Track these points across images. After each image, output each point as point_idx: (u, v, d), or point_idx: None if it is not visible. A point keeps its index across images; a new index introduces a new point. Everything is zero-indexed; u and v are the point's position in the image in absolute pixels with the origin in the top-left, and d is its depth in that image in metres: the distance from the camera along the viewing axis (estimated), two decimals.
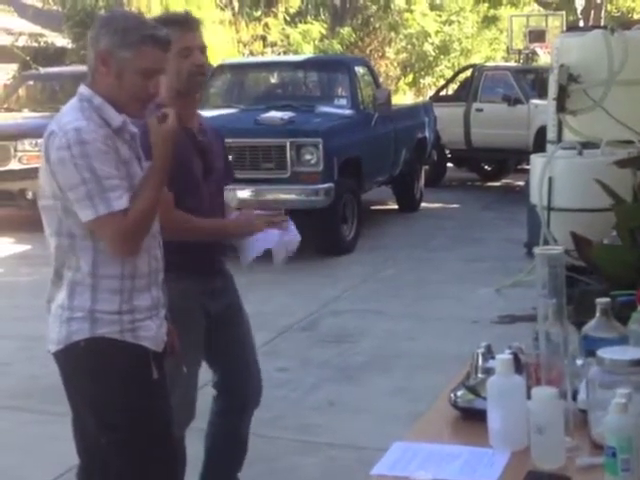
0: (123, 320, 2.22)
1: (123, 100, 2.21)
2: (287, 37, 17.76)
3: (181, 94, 2.72)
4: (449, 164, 12.72)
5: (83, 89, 2.25)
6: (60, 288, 2.23)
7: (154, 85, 2.23)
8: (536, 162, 6.21)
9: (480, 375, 2.04)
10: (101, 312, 2.20)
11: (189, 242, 2.72)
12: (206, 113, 9.03)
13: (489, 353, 2.08)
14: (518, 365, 1.94)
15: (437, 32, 23.11)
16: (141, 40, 2.18)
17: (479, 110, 11.80)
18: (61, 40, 17.30)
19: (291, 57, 13.62)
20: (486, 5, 22.71)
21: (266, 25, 17.55)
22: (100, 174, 2.11)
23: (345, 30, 20.07)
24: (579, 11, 20.25)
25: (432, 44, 23.10)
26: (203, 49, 2.77)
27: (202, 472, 3.06)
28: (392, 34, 22.21)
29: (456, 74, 14.57)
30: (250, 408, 3.04)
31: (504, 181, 12.85)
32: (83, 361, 2.22)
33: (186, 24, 2.74)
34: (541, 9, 21.47)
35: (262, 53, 17.77)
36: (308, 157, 7.56)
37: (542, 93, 10.10)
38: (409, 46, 23.01)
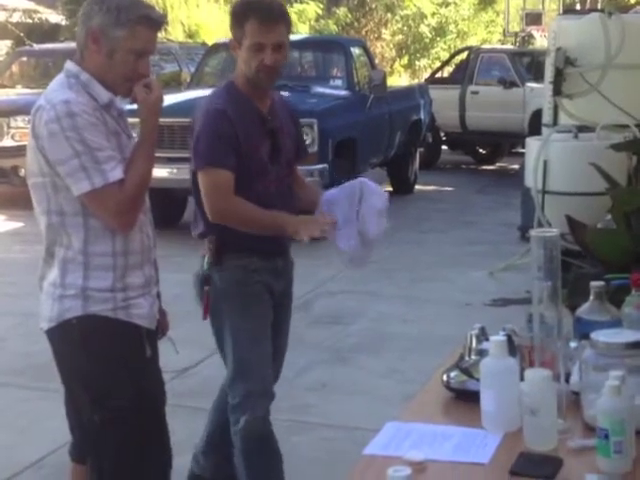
0: (116, 298, 2.21)
1: (112, 79, 2.19)
2: None
3: (250, 82, 2.68)
4: (444, 147, 12.70)
5: (70, 65, 2.23)
6: (52, 266, 2.22)
7: (144, 65, 2.21)
8: (531, 145, 6.21)
9: (473, 357, 2.04)
10: (93, 290, 2.19)
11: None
12: (201, 92, 8.96)
13: (483, 335, 2.08)
14: (512, 347, 1.94)
15: (433, 14, 23.01)
16: (135, 20, 2.15)
17: (475, 93, 11.78)
18: (55, 17, 17.18)
19: None
20: None
21: None
22: (92, 146, 2.10)
23: (341, 10, 19.97)
24: None
25: (428, 26, 23.01)
26: (279, 47, 2.62)
27: (203, 446, 3.03)
28: (388, 15, 22.11)
29: (452, 56, 14.53)
30: None
31: (498, 164, 12.85)
32: (76, 339, 2.21)
33: (266, 17, 2.59)
34: None
35: None
36: (303, 138, 7.54)
37: (538, 76, 10.09)
38: (405, 28, 22.91)
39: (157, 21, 2.22)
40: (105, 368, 2.23)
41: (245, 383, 2.70)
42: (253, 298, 2.72)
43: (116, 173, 2.13)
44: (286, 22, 2.68)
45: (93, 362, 2.22)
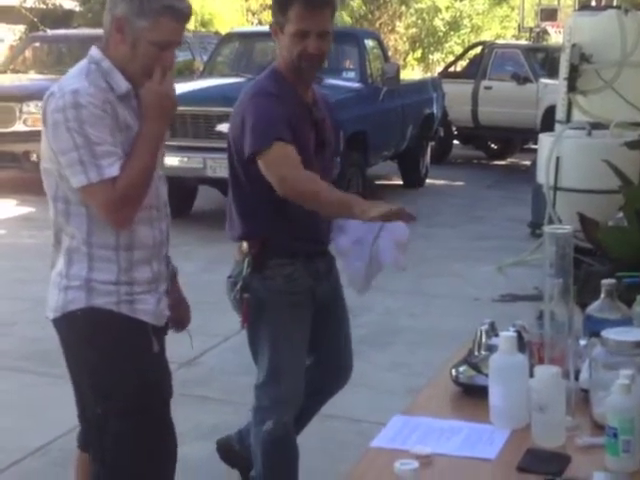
0: (120, 291, 2.17)
1: (134, 70, 2.13)
2: None
3: (292, 69, 2.56)
4: (455, 141, 12.67)
5: (94, 51, 2.18)
6: (59, 253, 2.21)
7: (168, 57, 2.14)
8: (544, 141, 6.19)
9: (483, 352, 2.04)
10: (97, 282, 2.16)
11: (299, 225, 2.57)
12: (214, 81, 8.95)
13: (493, 330, 2.08)
14: (521, 343, 1.94)
15: (448, 7, 22.97)
16: (159, 11, 2.08)
17: (488, 88, 11.73)
18: (69, 2, 17.20)
19: None
20: None
21: None
22: (93, 140, 2.05)
23: (355, 2, 19.93)
24: None
25: (442, 20, 22.99)
26: (323, 34, 2.51)
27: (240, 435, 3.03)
28: (402, 8, 22.05)
29: (466, 51, 14.48)
30: (333, 394, 3.00)
31: (510, 160, 12.81)
32: (80, 330, 2.19)
33: (312, 2, 2.48)
34: None
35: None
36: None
37: (552, 72, 10.05)
38: (419, 21, 22.88)
39: (182, 12, 2.13)
40: (110, 361, 2.19)
41: (277, 389, 2.65)
42: (295, 307, 2.64)
43: (113, 169, 2.06)
44: (332, 8, 2.56)
45: (97, 355, 2.20)
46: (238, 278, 2.63)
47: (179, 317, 2.43)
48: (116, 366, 2.20)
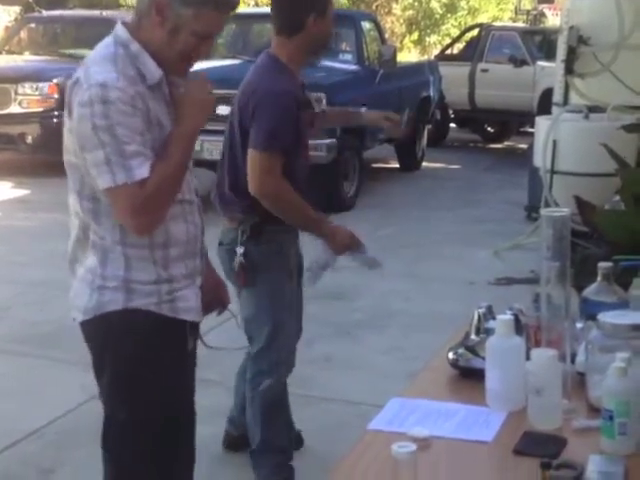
0: (161, 291, 2.03)
1: (168, 57, 1.98)
2: None
3: (310, 53, 2.82)
4: (452, 124, 12.64)
5: (121, 31, 1.98)
6: (86, 248, 2.04)
7: (207, 47, 2.01)
8: (541, 124, 6.18)
9: (480, 335, 2.04)
10: (136, 282, 2.01)
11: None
12: (210, 63, 8.91)
13: (490, 314, 2.08)
14: (518, 326, 1.94)
15: None
16: (201, 1, 1.94)
17: (484, 70, 11.70)
18: None
19: None
20: None
21: None
22: (121, 138, 1.88)
23: None
24: None
25: (439, 2, 22.86)
26: None
27: (240, 409, 3.18)
28: None
29: (462, 33, 14.43)
30: None
31: (506, 143, 12.79)
32: (114, 334, 2.05)
33: None
34: None
35: (268, 4, 17.50)
36: None
37: (549, 55, 10.02)
38: (416, 3, 22.77)
39: (227, 3, 1.99)
40: (142, 366, 2.06)
41: (277, 353, 2.88)
42: (286, 271, 2.88)
43: (143, 170, 1.90)
44: None
45: (130, 359, 2.06)
46: (233, 245, 2.81)
47: (219, 298, 2.35)
48: (148, 370, 2.07)
